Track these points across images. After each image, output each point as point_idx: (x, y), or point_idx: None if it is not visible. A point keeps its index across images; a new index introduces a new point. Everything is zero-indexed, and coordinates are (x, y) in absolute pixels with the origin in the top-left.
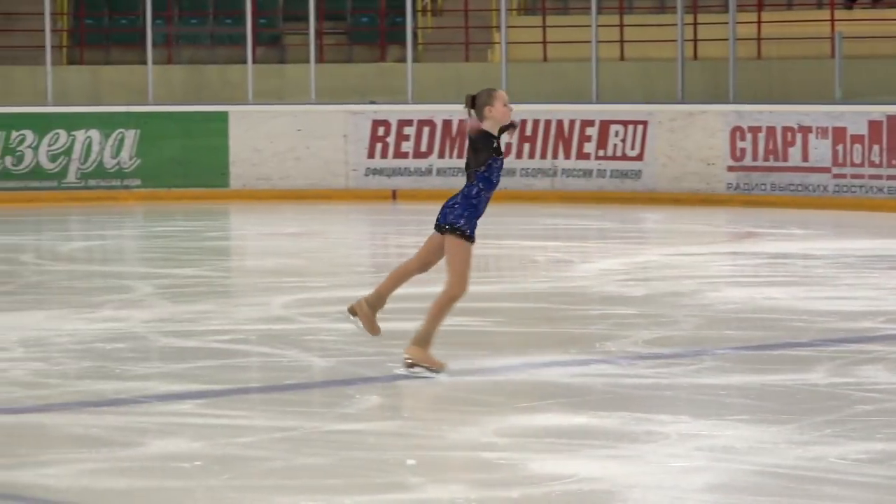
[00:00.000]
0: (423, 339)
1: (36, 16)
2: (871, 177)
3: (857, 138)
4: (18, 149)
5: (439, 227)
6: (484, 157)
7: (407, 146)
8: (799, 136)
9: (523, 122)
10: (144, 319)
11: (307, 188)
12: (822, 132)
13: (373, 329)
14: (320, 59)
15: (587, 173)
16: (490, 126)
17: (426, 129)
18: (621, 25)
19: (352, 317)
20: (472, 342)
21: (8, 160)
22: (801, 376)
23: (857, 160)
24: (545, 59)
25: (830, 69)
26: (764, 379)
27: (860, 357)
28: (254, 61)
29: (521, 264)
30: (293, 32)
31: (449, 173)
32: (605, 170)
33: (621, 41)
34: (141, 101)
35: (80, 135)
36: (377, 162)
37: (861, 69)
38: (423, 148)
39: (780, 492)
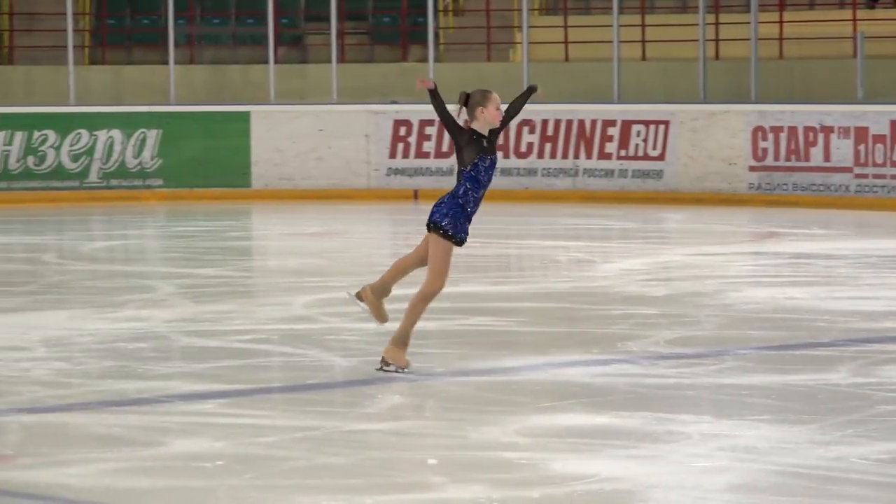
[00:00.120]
0: (400, 339)
1: (58, 16)
2: (893, 177)
3: (879, 138)
4: (41, 149)
5: (427, 224)
6: (470, 156)
7: (428, 146)
8: (821, 136)
9: (544, 122)
10: (166, 319)
11: (329, 188)
12: (844, 132)
13: (380, 316)
14: (342, 59)
15: (609, 173)
16: (479, 126)
17: None
18: (643, 25)
19: (358, 301)
20: (493, 342)
21: (30, 160)
22: (823, 376)
23: (880, 160)
24: (567, 59)
25: (852, 69)
26: (786, 379)
27: (882, 357)
28: (276, 61)
29: (542, 264)
30: (315, 32)
31: None
32: (626, 170)
33: (643, 41)
34: (163, 101)
35: (102, 135)
36: (399, 162)
37: (883, 69)
38: (445, 148)
39: (802, 492)
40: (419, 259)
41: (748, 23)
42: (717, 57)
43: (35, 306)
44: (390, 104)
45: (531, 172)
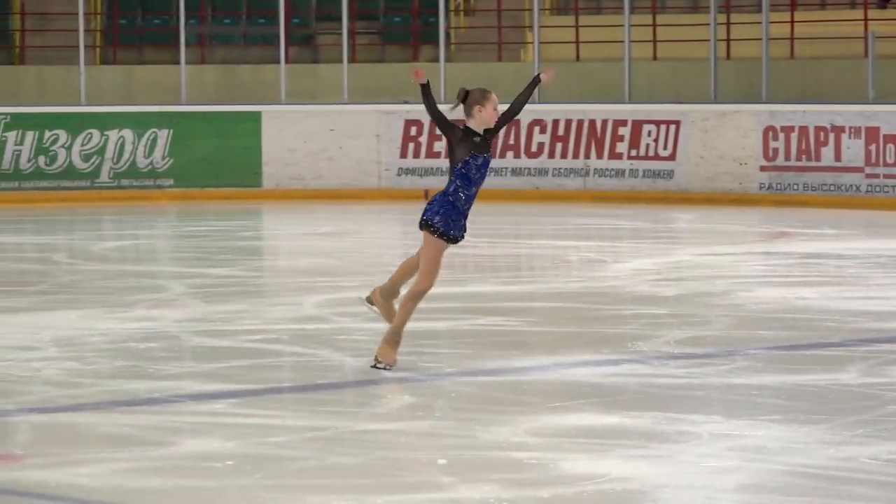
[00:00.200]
0: (391, 337)
1: (69, 16)
2: None
3: (889, 138)
4: (52, 148)
5: (419, 222)
6: (461, 153)
7: (439, 146)
8: (832, 136)
9: (555, 121)
10: (177, 319)
11: (340, 188)
12: (855, 132)
13: (390, 317)
14: (353, 59)
15: (619, 173)
16: (474, 124)
17: None
18: (654, 25)
19: (369, 305)
20: (504, 342)
21: (41, 160)
22: (833, 376)
23: (891, 160)
24: (578, 58)
25: (863, 69)
26: (796, 379)
27: (892, 357)
28: (287, 61)
29: (553, 264)
30: (326, 32)
31: None
32: (637, 170)
33: (654, 41)
34: (174, 101)
35: (112, 134)
36: (410, 162)
37: (894, 69)
38: None
39: (812, 492)
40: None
41: (759, 23)
42: (728, 57)
43: (46, 306)
44: (401, 104)
45: (542, 172)
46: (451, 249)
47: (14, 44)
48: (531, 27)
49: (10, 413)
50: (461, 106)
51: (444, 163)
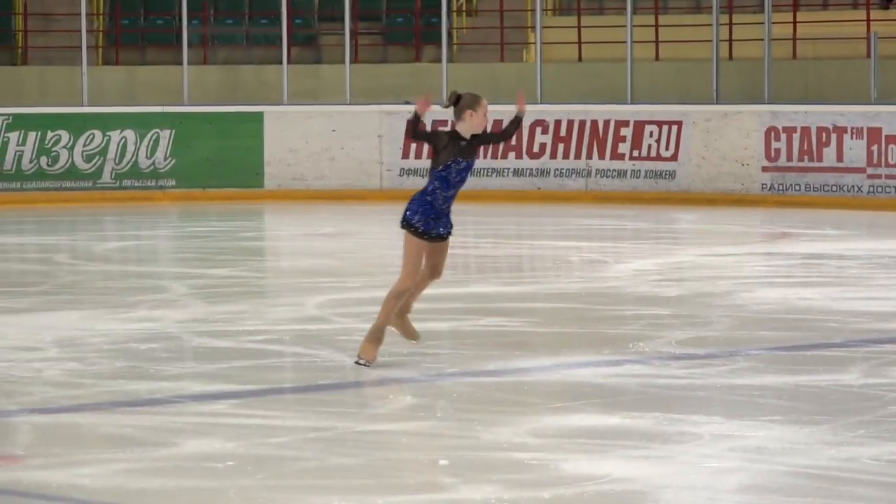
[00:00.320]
0: (373, 334)
1: (72, 16)
2: None
3: (892, 139)
4: (54, 149)
5: (400, 222)
6: (445, 157)
7: None
8: (834, 137)
9: (557, 122)
10: (179, 320)
11: (342, 188)
12: (857, 132)
13: (411, 335)
14: (355, 60)
15: (621, 174)
16: (463, 129)
17: None
18: (656, 26)
19: (393, 330)
20: (505, 342)
21: (43, 160)
22: (835, 377)
23: (893, 160)
24: (580, 59)
25: (866, 69)
26: (797, 380)
27: (894, 358)
28: (289, 62)
29: (555, 265)
30: (328, 33)
31: (483, 174)
32: (639, 170)
33: (656, 41)
34: (176, 102)
35: (115, 135)
36: (412, 162)
37: None
38: None
39: (813, 493)
40: (428, 268)
41: (762, 23)
42: (730, 57)
43: (48, 307)
44: (403, 104)
45: (544, 173)
46: (452, 250)
47: (16, 44)
48: (533, 28)
49: (12, 413)
50: (452, 108)
51: None
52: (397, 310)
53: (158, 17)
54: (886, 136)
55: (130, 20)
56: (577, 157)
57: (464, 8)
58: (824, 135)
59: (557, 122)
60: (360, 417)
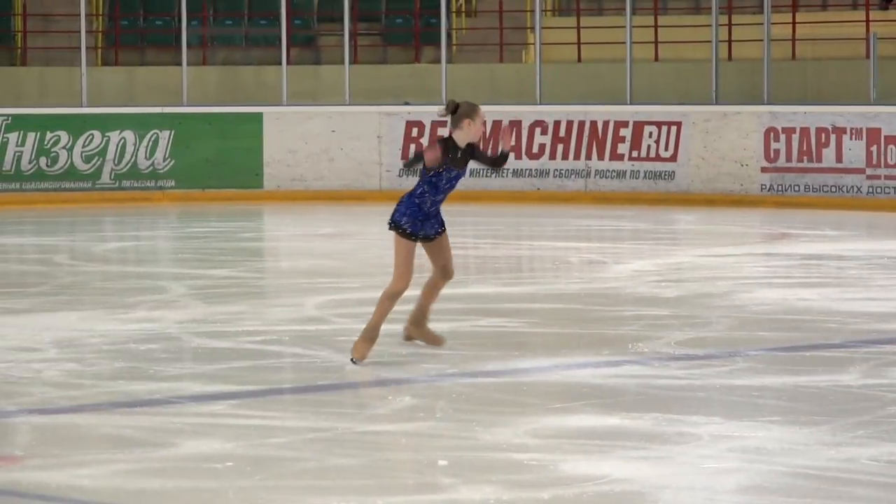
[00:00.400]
0: (367, 333)
1: (71, 17)
2: None
3: (891, 139)
4: (53, 150)
5: (388, 224)
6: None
7: None
8: (833, 137)
9: (556, 122)
10: (178, 320)
11: (341, 189)
12: (857, 133)
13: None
14: (354, 61)
15: (621, 174)
16: (460, 137)
17: None
18: (656, 26)
19: (413, 340)
20: (505, 343)
21: (42, 161)
22: (834, 377)
23: (892, 161)
24: (579, 59)
25: (865, 70)
26: (797, 380)
27: (893, 358)
28: (288, 62)
29: (554, 265)
30: (328, 34)
31: (483, 174)
32: (638, 171)
33: (655, 42)
34: (175, 103)
35: (114, 136)
36: None
37: None
38: None
39: (812, 493)
40: (437, 271)
41: (761, 24)
42: (729, 58)
43: (47, 307)
44: (403, 105)
45: (543, 173)
46: (453, 250)
47: (16, 45)
48: (533, 28)
49: (11, 414)
50: (449, 117)
51: None
52: (414, 320)
53: (158, 17)
54: (886, 137)
55: (130, 21)
56: (577, 157)
57: (463, 9)
58: (823, 135)
59: (557, 123)
60: (359, 418)
